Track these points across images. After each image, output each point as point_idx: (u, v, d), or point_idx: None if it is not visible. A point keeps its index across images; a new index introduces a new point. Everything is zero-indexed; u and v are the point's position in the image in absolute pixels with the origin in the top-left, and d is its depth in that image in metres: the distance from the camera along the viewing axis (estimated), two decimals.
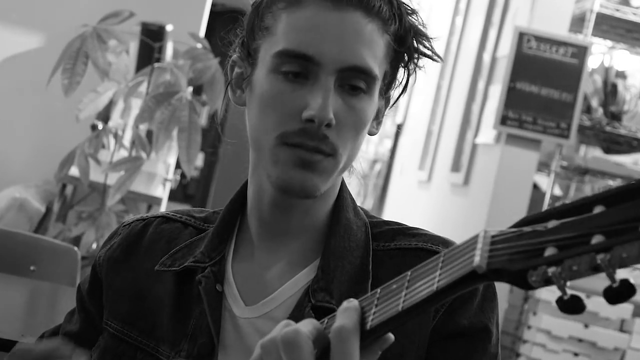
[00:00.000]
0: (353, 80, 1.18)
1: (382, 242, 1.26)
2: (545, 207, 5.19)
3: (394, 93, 1.29)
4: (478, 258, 0.82)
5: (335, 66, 1.17)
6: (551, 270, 0.77)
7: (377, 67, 1.19)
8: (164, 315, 1.27)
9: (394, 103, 1.30)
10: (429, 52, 1.26)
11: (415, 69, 1.26)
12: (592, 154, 5.63)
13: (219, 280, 1.25)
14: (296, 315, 1.20)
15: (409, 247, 1.24)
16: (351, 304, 0.92)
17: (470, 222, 5.64)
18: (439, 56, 1.27)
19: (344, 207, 1.27)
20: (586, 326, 4.82)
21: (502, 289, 4.95)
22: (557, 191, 5.87)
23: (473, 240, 0.84)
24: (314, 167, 1.18)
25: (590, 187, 5.71)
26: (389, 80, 1.25)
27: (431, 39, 1.26)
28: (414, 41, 1.24)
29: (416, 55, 1.25)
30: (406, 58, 1.24)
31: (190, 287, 1.27)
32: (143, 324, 1.29)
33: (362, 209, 1.31)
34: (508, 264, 0.80)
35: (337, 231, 1.25)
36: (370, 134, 1.27)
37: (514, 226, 0.82)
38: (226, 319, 1.24)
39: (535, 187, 5.59)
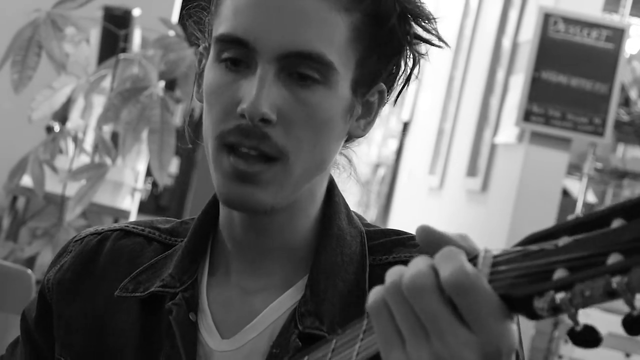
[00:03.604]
0: (301, 68, 1.16)
1: (380, 255, 1.25)
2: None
3: (395, 86, 1.26)
4: None
5: (274, 53, 1.15)
6: (559, 296, 0.77)
7: (335, 53, 1.16)
8: (128, 350, 1.26)
9: (396, 99, 1.27)
10: (427, 36, 1.23)
11: (416, 58, 1.24)
12: (631, 154, 5.64)
13: (192, 308, 1.23)
14: (280, 343, 1.19)
15: (408, 259, 1.22)
16: (452, 250, 0.86)
17: (489, 235, 5.64)
18: (442, 40, 1.24)
19: (335, 215, 1.25)
20: (627, 355, 4.82)
21: None
22: (591, 198, 5.87)
23: (472, 262, 0.84)
24: (255, 179, 1.17)
25: (630, 192, 5.72)
26: (375, 69, 1.21)
27: (430, 18, 1.22)
28: (404, 22, 1.20)
29: (409, 39, 1.22)
30: (395, 43, 1.21)
31: (158, 316, 1.25)
32: None
33: (356, 214, 1.30)
34: (511, 288, 0.80)
35: (328, 243, 1.24)
36: (356, 135, 1.25)
37: (520, 244, 0.82)
38: (200, 354, 1.23)
39: (565, 193, 5.60)
